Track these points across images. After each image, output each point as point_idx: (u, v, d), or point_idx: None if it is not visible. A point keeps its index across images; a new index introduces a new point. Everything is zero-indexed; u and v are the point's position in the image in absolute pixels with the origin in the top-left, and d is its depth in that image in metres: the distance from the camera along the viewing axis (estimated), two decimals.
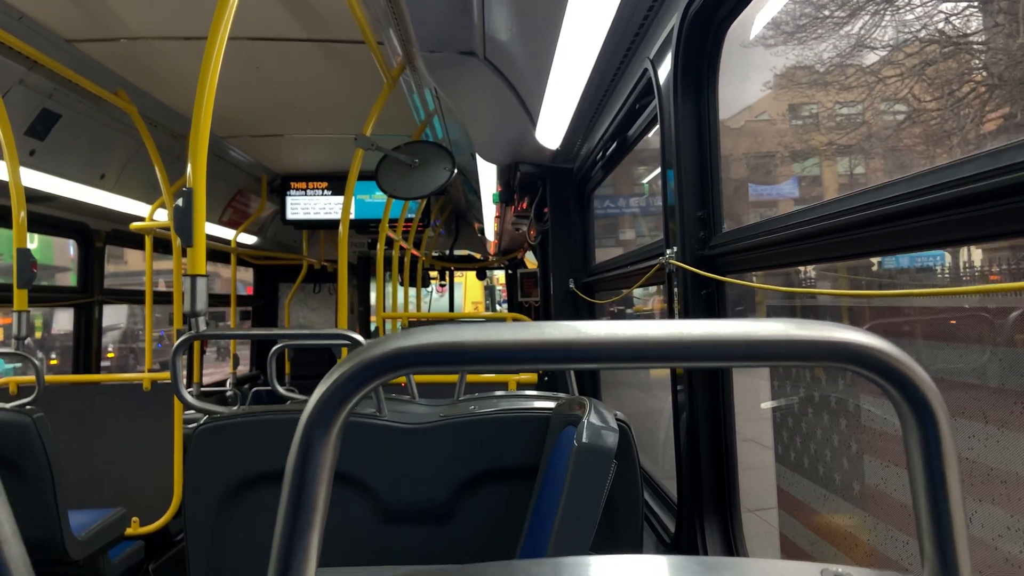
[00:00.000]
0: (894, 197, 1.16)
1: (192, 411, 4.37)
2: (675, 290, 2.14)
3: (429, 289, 11.59)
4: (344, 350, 3.67)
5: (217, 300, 7.59)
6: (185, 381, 6.05)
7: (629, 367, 0.57)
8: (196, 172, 2.14)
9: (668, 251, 2.16)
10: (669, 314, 2.22)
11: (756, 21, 1.92)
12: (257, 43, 3.73)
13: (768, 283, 2.23)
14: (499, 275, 15.39)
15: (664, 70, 2.13)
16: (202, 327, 2.13)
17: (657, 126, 2.26)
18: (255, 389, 6.69)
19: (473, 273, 12.35)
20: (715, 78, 1.97)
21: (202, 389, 6.12)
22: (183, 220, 2.09)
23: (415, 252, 7.70)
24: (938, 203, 1.05)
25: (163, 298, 6.31)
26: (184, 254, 2.73)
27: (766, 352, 0.57)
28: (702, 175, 2.01)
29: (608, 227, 5.19)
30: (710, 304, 1.99)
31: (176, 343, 2.10)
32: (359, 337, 2.17)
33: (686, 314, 2.05)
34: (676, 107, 2.03)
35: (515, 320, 5.19)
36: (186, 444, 3.57)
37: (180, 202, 2.10)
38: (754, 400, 2.37)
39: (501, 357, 0.56)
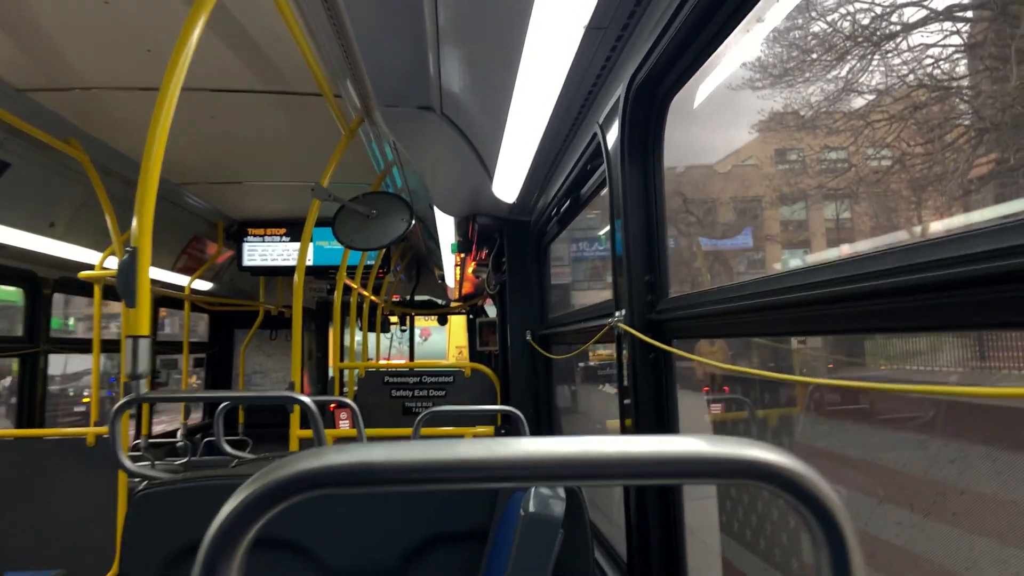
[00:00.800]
0: (849, 277, 1.13)
1: (141, 464, 4.25)
2: (624, 352, 2.15)
3: (391, 335, 11.49)
4: (297, 407, 3.62)
5: (171, 347, 7.43)
6: (135, 433, 5.89)
7: (539, 484, 0.57)
8: (142, 229, 2.11)
9: (617, 313, 2.18)
10: (619, 378, 2.23)
11: (699, 93, 1.98)
12: (214, 94, 3.73)
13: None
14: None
15: (612, 136, 2.17)
16: (143, 390, 2.08)
17: (606, 188, 2.30)
18: (207, 439, 6.53)
19: (462, 316, 12.25)
20: (660, 147, 2.02)
21: (151, 440, 5.95)
22: (126, 280, 2.05)
23: (374, 299, 7.66)
24: (897, 287, 1.02)
25: (114, 347, 6.16)
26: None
27: (677, 471, 0.58)
28: (649, 240, 2.05)
29: (578, 273, 5.24)
30: (657, 368, 2.00)
31: (115, 407, 2.05)
32: (305, 399, 2.14)
33: (633, 379, 2.07)
34: (623, 173, 2.07)
35: (475, 369, 5.17)
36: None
37: (123, 261, 2.06)
38: None
39: (411, 478, 0.55)
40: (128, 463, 2.11)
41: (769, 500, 1.70)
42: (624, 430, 2.28)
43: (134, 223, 2.12)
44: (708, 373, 2.73)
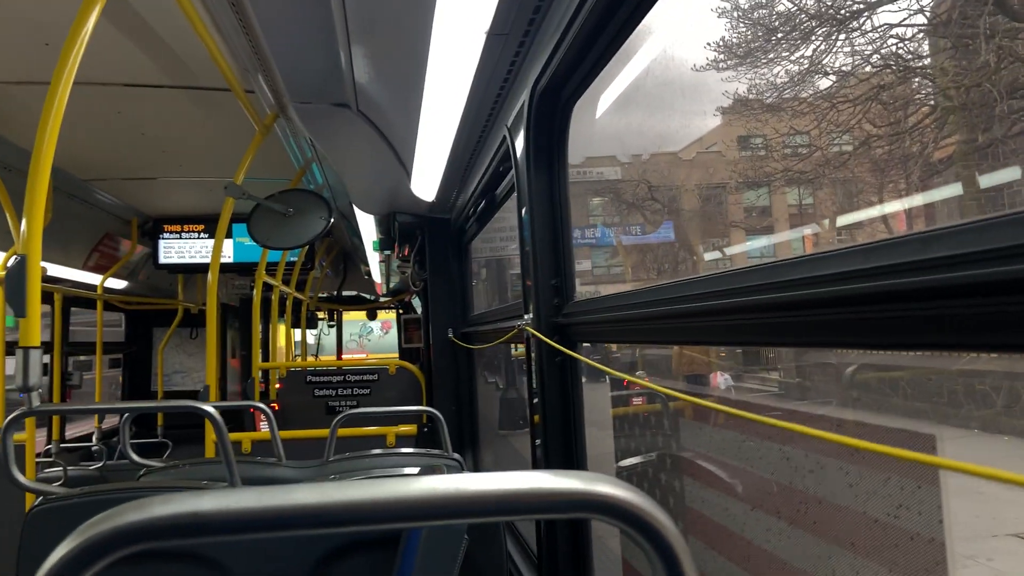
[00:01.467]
0: (752, 287, 1.08)
1: (53, 469, 4.07)
2: (532, 353, 2.18)
3: (318, 331, 11.30)
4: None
5: (84, 348, 7.14)
6: (46, 438, 5.65)
7: (380, 527, 0.57)
8: (31, 234, 2.02)
9: (526, 316, 2.20)
10: (528, 380, 2.25)
11: (601, 101, 2.00)
12: (119, 88, 3.58)
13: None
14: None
15: (519, 141, 2.19)
16: (36, 402, 2.00)
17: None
18: None
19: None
20: (564, 152, 2.04)
21: (63, 445, 5.71)
22: (15, 289, 1.96)
23: (298, 295, 7.52)
24: (799, 300, 0.96)
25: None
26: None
27: (522, 507, 0.59)
28: (555, 244, 2.07)
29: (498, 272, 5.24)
30: (563, 370, 2.03)
31: (5, 421, 1.96)
32: (209, 408, 2.09)
33: (541, 379, 2.09)
34: (529, 177, 2.09)
35: (400, 367, 5.14)
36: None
37: (11, 269, 1.97)
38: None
39: (244, 527, 0.54)
40: (21, 478, 2.02)
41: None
42: (533, 426, 2.30)
43: (23, 226, 2.03)
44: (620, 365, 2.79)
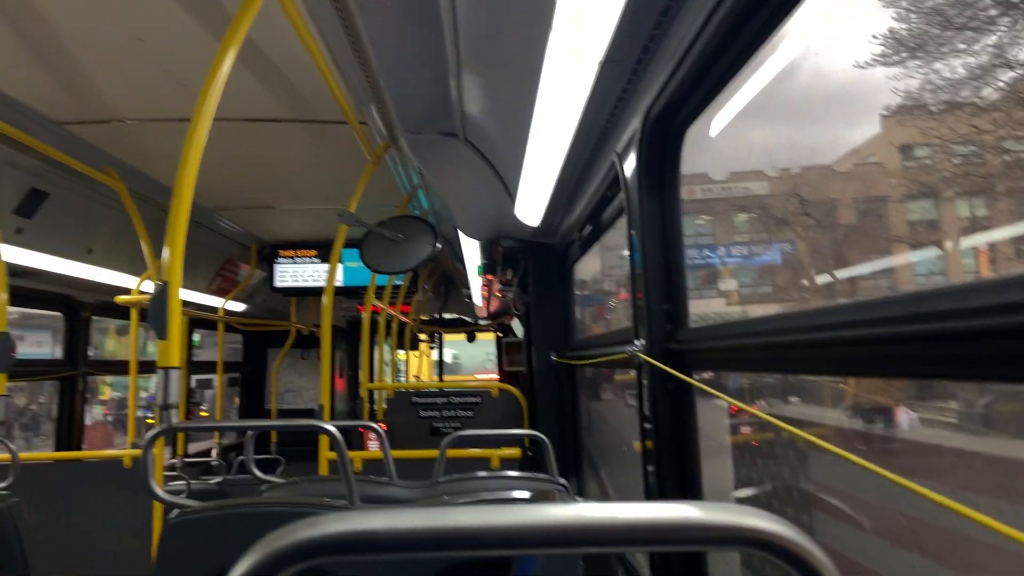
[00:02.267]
0: (889, 318, 1.04)
1: (177, 483, 4.32)
2: (644, 380, 2.16)
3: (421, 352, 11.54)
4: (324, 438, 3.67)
5: (205, 367, 7.56)
6: (171, 452, 6.00)
7: (535, 551, 0.59)
8: (173, 262, 2.16)
9: (637, 342, 2.19)
10: (639, 406, 2.24)
11: (713, 124, 1.99)
12: (245, 123, 3.82)
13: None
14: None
15: (629, 166, 2.19)
16: (174, 420, 2.14)
17: (625, 216, 2.31)
18: (240, 458, 6.62)
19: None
20: (677, 177, 2.03)
21: (186, 460, 6.05)
22: (157, 313, 2.10)
23: (403, 318, 7.73)
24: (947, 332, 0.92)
25: (150, 368, 6.29)
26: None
27: (674, 537, 0.59)
28: (667, 269, 2.06)
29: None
30: (676, 399, 2.01)
31: (147, 437, 2.10)
32: (330, 427, 2.18)
33: (653, 409, 2.07)
34: (641, 202, 2.09)
35: (502, 389, 5.19)
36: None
37: (154, 295, 2.12)
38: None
39: (412, 545, 0.57)
40: (160, 492, 2.16)
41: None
42: (645, 453, 2.28)
43: (165, 254, 2.17)
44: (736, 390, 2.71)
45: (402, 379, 13.81)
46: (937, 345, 0.95)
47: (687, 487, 2.05)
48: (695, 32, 1.52)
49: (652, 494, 2.23)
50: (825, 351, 1.32)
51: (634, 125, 2.07)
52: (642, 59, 1.86)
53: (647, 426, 2.17)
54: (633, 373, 2.33)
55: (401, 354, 11.53)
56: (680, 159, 2.00)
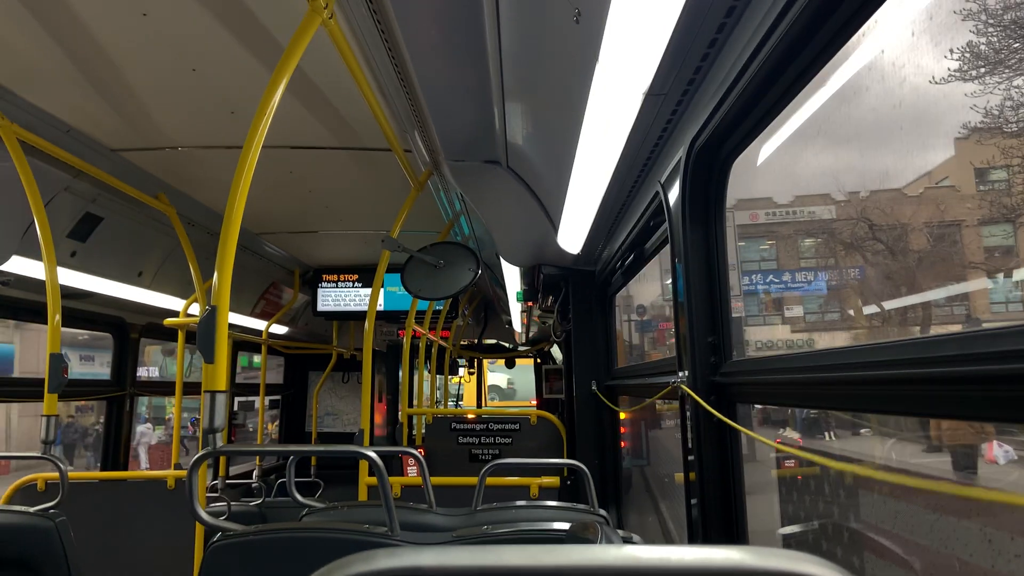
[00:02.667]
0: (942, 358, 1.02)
1: (218, 504, 4.37)
2: (687, 411, 2.13)
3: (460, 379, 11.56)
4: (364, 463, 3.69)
5: (248, 389, 7.67)
6: (212, 473, 6.07)
7: None
8: (221, 288, 2.19)
9: (680, 373, 2.16)
10: (682, 438, 2.21)
11: (762, 153, 1.98)
12: (292, 151, 3.90)
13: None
14: None
15: (673, 196, 2.18)
16: (220, 442, 2.16)
17: (668, 245, 2.30)
18: (280, 481, 6.67)
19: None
20: (722, 207, 2.02)
21: (227, 481, 6.12)
22: (206, 337, 2.13)
23: (443, 343, 7.76)
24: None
25: (195, 389, 6.40)
26: None
27: None
28: (712, 300, 2.03)
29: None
30: (721, 431, 1.97)
31: (193, 460, 2.13)
32: (371, 453, 2.18)
33: (697, 438, 2.04)
34: (685, 233, 2.07)
35: (541, 417, 5.16)
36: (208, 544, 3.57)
37: (203, 319, 2.15)
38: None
39: None
40: (204, 514, 2.18)
41: None
42: (688, 485, 2.24)
43: (215, 279, 2.20)
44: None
45: (462, 404, 13.88)
46: (1000, 388, 0.92)
47: (731, 523, 2.01)
48: (744, 62, 1.51)
49: (695, 529, 2.19)
50: (877, 389, 1.28)
51: (679, 155, 2.07)
52: (687, 90, 1.85)
53: (690, 458, 2.14)
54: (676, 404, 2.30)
55: (454, 378, 11.60)
56: (726, 189, 1.99)
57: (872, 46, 1.41)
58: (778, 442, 2.92)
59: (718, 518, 2.02)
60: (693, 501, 2.17)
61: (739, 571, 0.57)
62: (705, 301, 2.04)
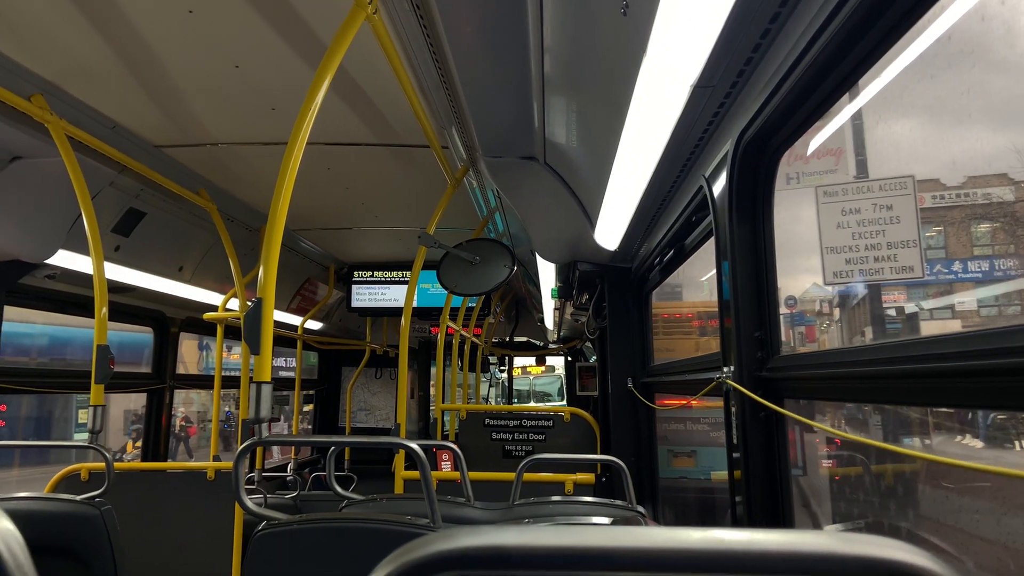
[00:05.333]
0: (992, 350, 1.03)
1: (255, 496, 4.43)
2: (732, 408, 2.11)
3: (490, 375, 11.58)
4: (401, 453, 3.71)
5: (282, 384, 7.76)
6: (249, 466, 6.16)
7: (666, 575, 0.58)
8: (267, 281, 2.21)
9: (725, 369, 2.14)
10: (727, 432, 2.18)
11: (811, 145, 1.95)
12: (331, 147, 3.94)
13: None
14: None
15: (719, 189, 2.16)
16: (264, 434, 2.19)
17: (712, 239, 2.28)
18: (315, 474, 6.75)
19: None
20: (770, 200, 1.99)
21: (264, 474, 6.20)
22: (252, 328, 2.16)
23: (476, 340, 7.78)
24: None
25: (232, 383, 6.50)
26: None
27: (807, 567, 0.57)
28: (759, 295, 2.01)
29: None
30: (768, 427, 1.95)
31: (239, 450, 2.16)
32: (413, 445, 2.20)
33: (743, 435, 2.02)
34: (731, 226, 2.05)
35: (574, 414, 5.15)
36: (247, 534, 3.61)
37: (250, 311, 2.18)
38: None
39: (544, 562, 0.57)
40: (250, 503, 2.21)
41: None
42: (732, 482, 2.22)
43: (260, 273, 2.23)
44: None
45: (516, 401, 13.89)
46: None
47: (778, 518, 1.98)
48: (798, 53, 1.49)
49: (741, 524, 2.17)
50: (933, 382, 1.26)
51: (726, 148, 2.05)
52: (736, 82, 1.83)
53: (735, 455, 2.12)
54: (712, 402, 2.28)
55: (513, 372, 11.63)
56: (774, 182, 1.96)
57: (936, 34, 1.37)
58: (838, 442, 2.88)
59: (765, 514, 2.00)
60: (738, 499, 2.15)
61: (826, 556, 0.57)
62: (752, 296, 2.02)
